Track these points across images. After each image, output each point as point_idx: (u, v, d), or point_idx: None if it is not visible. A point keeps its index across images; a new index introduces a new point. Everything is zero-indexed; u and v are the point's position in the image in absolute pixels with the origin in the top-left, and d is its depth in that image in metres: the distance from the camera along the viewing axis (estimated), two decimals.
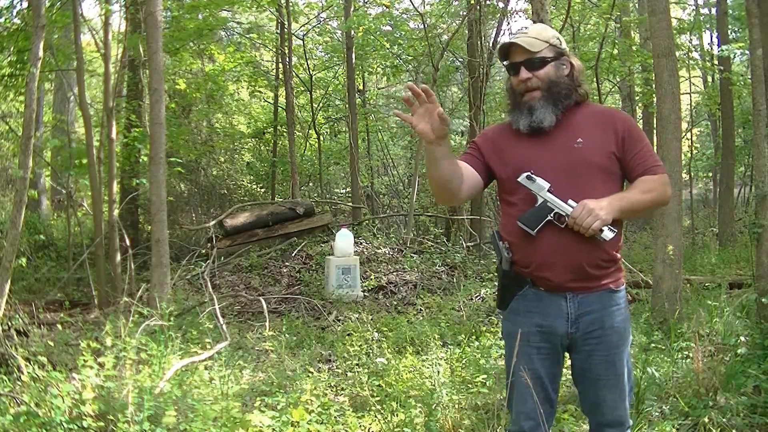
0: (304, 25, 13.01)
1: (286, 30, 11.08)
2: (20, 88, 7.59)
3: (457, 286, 7.05)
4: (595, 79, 10.03)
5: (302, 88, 13.14)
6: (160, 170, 5.21)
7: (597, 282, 2.17)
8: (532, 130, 2.18)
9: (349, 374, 4.32)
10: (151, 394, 3.06)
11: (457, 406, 3.47)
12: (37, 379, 3.34)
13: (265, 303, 5.88)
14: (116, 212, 6.62)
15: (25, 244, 7.99)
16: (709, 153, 15.47)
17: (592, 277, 2.16)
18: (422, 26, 10.81)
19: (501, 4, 11.21)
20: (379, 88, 16.34)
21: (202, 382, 3.53)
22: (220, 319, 4.92)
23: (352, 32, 10.34)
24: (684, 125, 12.92)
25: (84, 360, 3.22)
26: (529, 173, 2.16)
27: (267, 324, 5.31)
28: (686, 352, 3.87)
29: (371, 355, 4.59)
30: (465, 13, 10.93)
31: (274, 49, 12.71)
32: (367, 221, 10.08)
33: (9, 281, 4.33)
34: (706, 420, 3.17)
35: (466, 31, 11.02)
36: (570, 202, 2.10)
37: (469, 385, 3.83)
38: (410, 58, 12.10)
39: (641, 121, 13.17)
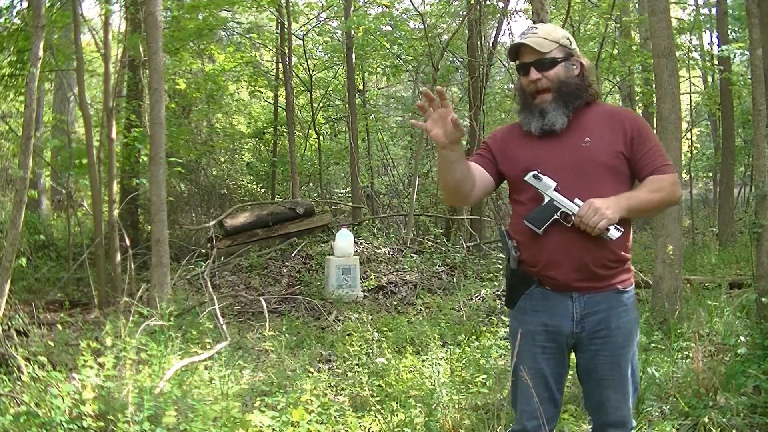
0: (304, 25, 13.01)
1: (286, 30, 11.08)
2: (20, 88, 7.59)
3: (457, 286, 7.05)
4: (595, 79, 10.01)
5: (302, 88, 13.14)
6: (160, 170, 5.21)
7: (604, 282, 2.17)
8: (543, 132, 2.19)
9: (349, 374, 4.32)
10: (151, 394, 3.06)
11: (457, 406, 3.47)
12: (37, 379, 3.34)
13: (265, 303, 5.87)
14: (116, 212, 6.62)
15: (25, 244, 7.99)
16: (709, 153, 15.48)
17: (599, 276, 2.15)
18: (422, 26, 10.81)
19: (501, 4, 11.22)
20: (379, 88, 16.35)
21: (202, 382, 3.53)
22: (220, 319, 4.92)
23: (352, 32, 10.34)
24: (684, 125, 12.92)
25: (84, 360, 3.22)
26: (535, 172, 2.16)
27: (267, 324, 5.31)
28: (686, 352, 3.87)
29: (371, 355, 4.59)
30: (465, 13, 10.94)
31: (274, 49, 12.71)
32: (367, 221, 10.08)
33: (9, 281, 4.33)
34: (706, 420, 3.17)
35: (466, 31, 11.01)
36: (576, 201, 2.09)
37: (469, 385, 3.83)
38: (410, 58, 12.11)
39: None
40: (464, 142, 12.38)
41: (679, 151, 5.32)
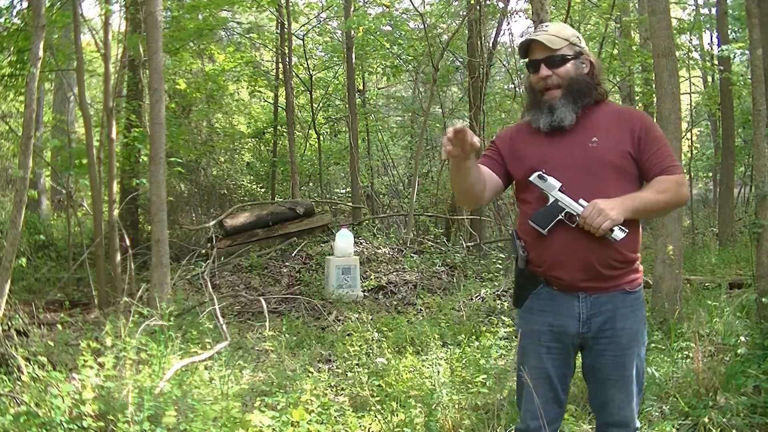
0: (304, 25, 13.01)
1: (286, 30, 11.08)
2: (20, 88, 7.59)
3: (457, 286, 7.05)
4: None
5: (302, 88, 13.14)
6: (160, 170, 5.21)
7: (610, 282, 2.16)
8: (552, 128, 2.19)
9: (349, 374, 4.32)
10: (151, 394, 3.06)
11: (457, 406, 3.47)
12: (37, 379, 3.34)
13: (265, 303, 5.87)
14: (116, 212, 6.62)
15: (25, 244, 7.99)
16: (709, 153, 15.47)
17: (605, 277, 2.15)
18: (422, 26, 10.81)
19: (501, 4, 11.23)
20: (379, 88, 16.34)
21: (202, 382, 3.53)
22: (220, 319, 4.92)
23: (352, 32, 10.34)
24: (684, 125, 12.92)
25: (84, 360, 3.22)
26: (540, 172, 2.17)
27: (267, 324, 5.31)
28: (686, 352, 3.87)
29: (371, 355, 4.59)
30: (465, 13, 10.94)
31: (274, 49, 12.72)
32: (367, 221, 10.08)
33: (9, 281, 4.33)
34: (706, 420, 3.17)
35: (466, 31, 11.01)
36: (581, 201, 2.09)
37: (469, 385, 3.83)
38: (410, 58, 12.10)
39: None
40: None
41: (679, 151, 5.32)
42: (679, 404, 3.37)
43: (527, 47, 2.23)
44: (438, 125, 13.52)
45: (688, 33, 12.14)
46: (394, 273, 7.77)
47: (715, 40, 13.52)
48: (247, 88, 13.12)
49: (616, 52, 10.77)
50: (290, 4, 11.13)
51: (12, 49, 7.31)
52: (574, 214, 2.10)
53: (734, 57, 11.52)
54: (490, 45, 11.67)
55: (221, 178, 13.56)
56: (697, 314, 4.38)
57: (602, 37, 10.36)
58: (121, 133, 8.81)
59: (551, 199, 2.14)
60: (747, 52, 8.73)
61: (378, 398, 3.63)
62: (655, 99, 6.59)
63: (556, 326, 2.20)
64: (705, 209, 15.99)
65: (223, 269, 7.73)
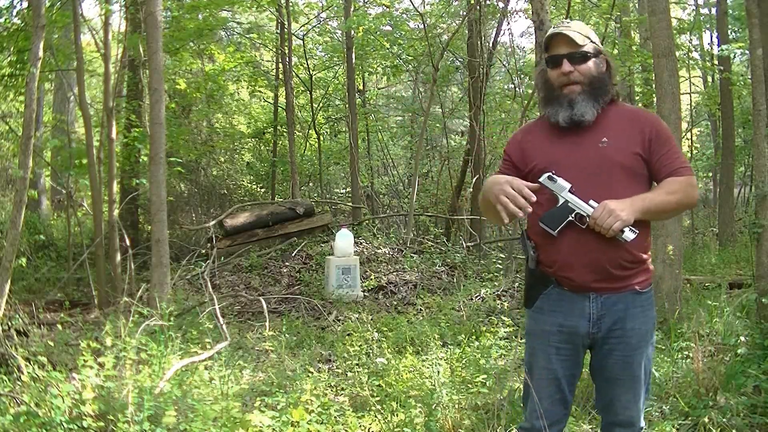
0: (304, 25, 13.01)
1: (286, 30, 11.08)
2: (20, 88, 7.59)
3: (457, 286, 7.05)
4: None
5: (302, 88, 13.14)
6: (160, 170, 5.21)
7: (621, 283, 2.16)
8: (573, 123, 2.18)
9: (349, 374, 4.32)
10: (151, 394, 3.05)
11: (457, 406, 3.47)
12: (37, 379, 3.34)
13: (265, 303, 5.87)
14: (116, 212, 6.62)
15: (25, 244, 7.99)
16: (709, 153, 15.47)
17: (616, 277, 2.15)
18: (422, 26, 10.81)
19: (501, 4, 11.23)
20: (379, 88, 16.35)
21: (202, 382, 3.53)
22: (220, 319, 4.92)
23: (352, 32, 10.34)
24: (684, 125, 12.92)
25: (84, 360, 3.22)
26: (550, 174, 2.16)
27: (267, 324, 5.31)
28: (686, 352, 3.87)
29: (371, 355, 4.59)
30: (465, 13, 10.94)
31: (274, 49, 12.71)
32: (367, 221, 10.08)
33: (9, 281, 4.33)
34: (706, 420, 3.17)
35: (466, 31, 11.01)
36: (591, 202, 2.09)
37: (469, 385, 3.83)
38: (410, 58, 12.10)
39: None
40: (464, 142, 12.41)
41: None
42: (679, 404, 3.37)
43: (550, 41, 2.22)
44: (438, 125, 13.52)
45: (688, 33, 12.14)
46: (394, 273, 7.77)
47: (715, 40, 13.53)
48: (247, 88, 13.12)
49: (616, 52, 10.76)
50: (290, 4, 11.13)
51: (12, 49, 7.31)
52: (585, 215, 2.10)
53: (734, 57, 11.53)
54: (490, 45, 11.68)
55: (221, 178, 13.56)
56: (697, 314, 4.39)
57: (602, 37, 10.34)
58: (121, 133, 8.81)
59: (561, 200, 2.14)
60: (747, 52, 8.73)
61: (378, 398, 3.63)
62: (655, 99, 6.59)
63: (567, 327, 2.20)
64: (705, 209, 15.98)
65: (223, 269, 7.73)
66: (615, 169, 2.14)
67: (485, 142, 10.64)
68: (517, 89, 11.68)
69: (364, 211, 11.01)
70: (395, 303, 6.86)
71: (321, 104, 13.58)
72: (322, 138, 13.66)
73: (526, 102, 9.58)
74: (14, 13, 7.50)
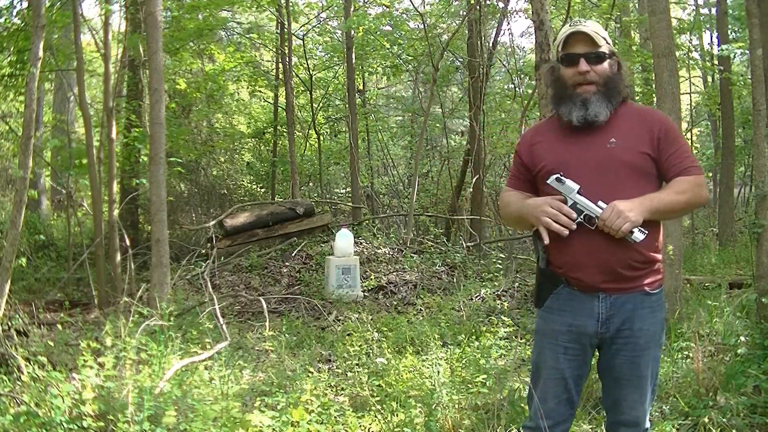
0: (304, 25, 13.01)
1: (286, 30, 11.07)
2: (20, 88, 7.59)
3: (457, 286, 7.05)
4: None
5: (302, 88, 13.14)
6: (160, 170, 5.21)
7: (630, 283, 2.16)
8: (586, 123, 2.18)
9: (349, 374, 4.31)
10: (151, 394, 3.05)
11: (457, 406, 3.47)
12: (37, 379, 3.34)
13: (265, 303, 5.87)
14: (116, 212, 6.62)
15: (25, 244, 7.99)
16: (709, 153, 15.47)
17: (625, 278, 2.15)
18: (422, 26, 10.81)
19: (501, 4, 11.23)
20: (379, 88, 16.35)
21: (202, 382, 3.53)
22: (220, 319, 4.92)
23: (352, 32, 10.34)
24: (684, 125, 12.92)
25: (84, 360, 3.22)
26: (558, 175, 2.16)
27: (267, 324, 5.31)
28: (686, 352, 3.87)
29: (371, 355, 4.59)
30: (465, 13, 10.93)
31: (274, 49, 12.71)
32: (367, 221, 10.08)
33: (9, 281, 4.33)
34: (706, 420, 3.17)
35: (466, 31, 11.01)
36: (600, 203, 2.09)
37: (469, 385, 3.83)
38: (410, 58, 12.11)
39: None
40: (464, 142, 12.41)
41: None
42: (679, 404, 3.37)
43: (567, 40, 2.21)
44: (438, 125, 13.52)
45: (688, 33, 12.14)
46: (394, 273, 7.77)
47: (715, 40, 13.53)
48: (247, 88, 13.12)
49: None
50: (290, 4, 11.12)
51: (12, 49, 7.31)
52: (593, 216, 2.10)
53: (734, 57, 11.52)
54: (490, 45, 11.67)
55: (221, 178, 13.56)
56: (697, 314, 4.39)
57: None
58: (121, 133, 8.81)
59: (570, 202, 2.14)
60: (747, 52, 8.73)
61: (378, 398, 3.63)
62: (655, 99, 6.59)
63: (575, 326, 2.20)
64: (705, 209, 15.97)
65: (223, 269, 7.72)
66: (623, 170, 2.14)
67: (485, 142, 10.64)
68: (517, 89, 11.68)
69: (364, 211, 11.01)
70: (395, 303, 6.86)
71: (321, 104, 13.58)
72: (322, 138, 13.66)
73: (526, 102, 9.57)
74: (14, 13, 7.50)
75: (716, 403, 3.32)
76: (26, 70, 5.69)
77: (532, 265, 8.46)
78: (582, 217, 2.12)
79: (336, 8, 12.87)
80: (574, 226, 2.10)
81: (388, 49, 11.34)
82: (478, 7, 10.19)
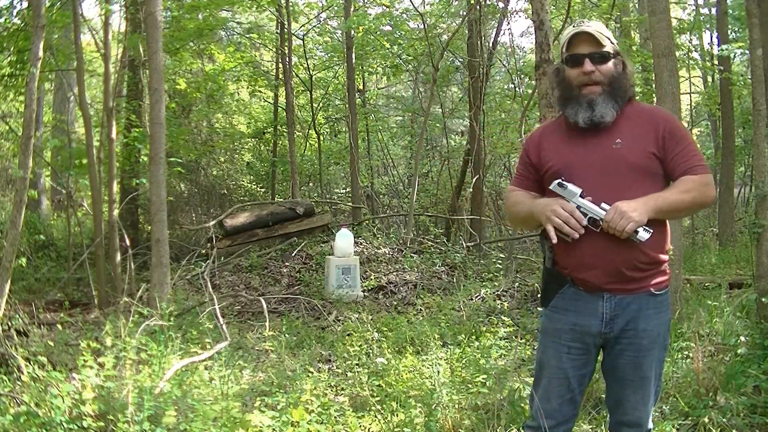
0: (304, 25, 13.01)
1: (286, 30, 11.08)
2: (20, 88, 7.59)
3: (457, 286, 7.05)
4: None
5: (302, 88, 13.15)
6: (160, 170, 5.21)
7: (635, 284, 2.16)
8: (592, 124, 2.17)
9: (349, 374, 4.31)
10: (151, 394, 3.05)
11: (457, 406, 3.47)
12: (37, 379, 3.34)
13: (265, 303, 5.87)
14: (116, 212, 6.62)
15: (25, 244, 7.99)
16: (709, 153, 15.46)
17: (631, 279, 2.14)
18: (422, 26, 10.81)
19: (501, 4, 11.23)
20: (379, 88, 16.35)
21: (202, 382, 3.53)
22: (220, 319, 4.92)
23: (352, 32, 10.34)
24: (684, 125, 12.88)
25: (84, 360, 3.22)
26: (560, 180, 2.16)
27: (267, 324, 5.31)
28: (686, 352, 3.87)
29: (371, 355, 4.59)
30: (465, 13, 10.93)
31: (274, 49, 12.71)
32: (367, 221, 10.08)
33: (9, 281, 4.33)
34: (706, 420, 3.17)
35: (466, 31, 11.01)
36: (603, 205, 2.09)
37: (469, 385, 3.83)
38: (410, 58, 12.10)
39: None
40: (464, 142, 12.41)
41: None
42: (679, 404, 3.37)
43: (571, 40, 2.21)
44: (438, 125, 13.52)
45: (688, 33, 12.13)
46: (394, 273, 7.77)
47: (715, 40, 13.52)
48: (247, 88, 13.12)
49: None
50: (290, 4, 11.12)
51: (12, 49, 7.31)
52: (598, 219, 2.09)
53: (734, 57, 11.52)
54: (490, 45, 11.67)
55: (221, 178, 13.56)
56: (697, 314, 4.39)
57: None
58: (121, 133, 8.81)
59: (573, 206, 2.14)
60: (747, 52, 8.73)
61: (378, 398, 3.63)
62: (655, 99, 6.59)
63: (579, 326, 2.20)
64: (705, 209, 15.98)
65: (223, 269, 7.72)
66: (629, 171, 2.13)
67: (485, 142, 10.64)
68: (517, 89, 11.68)
69: (364, 211, 11.01)
70: (395, 303, 6.86)
71: (321, 104, 13.58)
72: (322, 138, 13.66)
73: (526, 102, 9.57)
74: (14, 13, 7.51)
75: (716, 403, 3.32)
76: (26, 70, 5.69)
77: (532, 265, 8.46)
78: (586, 220, 2.12)
79: (336, 8, 12.87)
80: (583, 231, 2.10)
81: (388, 49, 11.34)
82: (478, 7, 10.19)
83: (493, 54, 11.85)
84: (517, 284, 7.09)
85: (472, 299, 6.44)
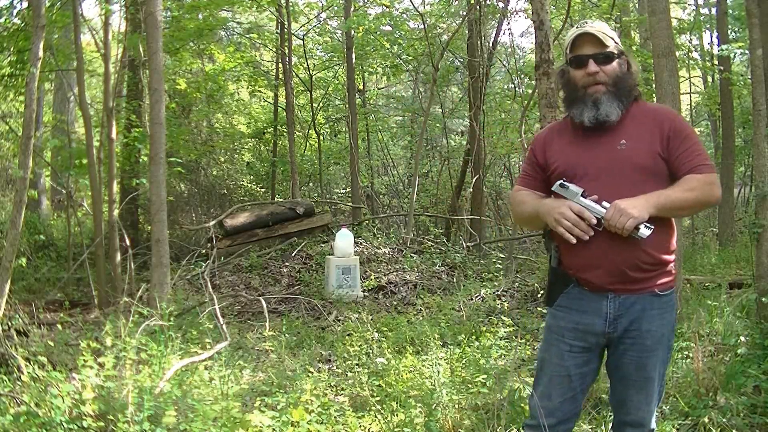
0: (304, 25, 13.02)
1: (286, 30, 11.08)
2: (20, 88, 7.59)
3: (457, 286, 7.05)
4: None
5: (302, 88, 13.15)
6: (160, 170, 5.21)
7: (639, 284, 2.16)
8: (597, 123, 2.17)
9: (349, 374, 4.31)
10: (151, 394, 3.05)
11: (457, 406, 3.47)
12: (37, 379, 3.33)
13: (265, 303, 5.87)
14: (116, 212, 6.62)
15: (25, 244, 7.99)
16: (709, 153, 15.46)
17: (634, 279, 2.14)
18: (422, 26, 10.81)
19: (501, 4, 11.23)
20: (379, 88, 16.35)
21: (202, 382, 3.52)
22: (220, 319, 4.92)
23: (352, 32, 10.34)
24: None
25: (84, 360, 3.22)
26: (561, 181, 2.17)
27: (267, 324, 5.31)
28: (686, 352, 3.87)
29: (371, 355, 4.59)
30: (465, 13, 10.93)
31: (274, 49, 12.71)
32: (367, 221, 10.08)
33: (9, 281, 4.33)
34: (706, 420, 3.17)
35: (466, 31, 11.01)
36: (604, 203, 2.09)
37: (469, 385, 3.83)
38: (410, 58, 12.11)
39: None
40: (464, 142, 12.41)
41: None
42: (679, 404, 3.37)
43: (575, 41, 2.21)
44: (438, 125, 13.52)
45: (688, 33, 12.14)
46: (394, 273, 7.77)
47: (715, 40, 13.52)
48: (247, 88, 13.12)
49: None
50: (290, 4, 11.13)
51: (12, 49, 7.32)
52: (599, 218, 2.09)
53: (734, 57, 11.52)
54: (490, 45, 11.68)
55: (221, 178, 13.56)
56: (697, 314, 4.38)
57: None
58: (121, 133, 8.81)
59: (580, 207, 2.14)
60: (747, 52, 8.73)
61: (378, 398, 3.63)
62: (655, 99, 6.59)
63: (582, 325, 2.21)
64: (705, 209, 15.96)
65: (223, 269, 7.72)
66: (633, 172, 2.13)
67: (485, 142, 10.64)
68: (517, 89, 11.68)
69: (364, 211, 11.01)
70: (395, 303, 6.86)
71: (321, 104, 13.58)
72: (322, 138, 13.66)
73: (526, 102, 9.57)
74: (14, 13, 7.51)
75: (716, 403, 3.32)
76: (26, 70, 5.69)
77: (532, 265, 8.46)
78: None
79: (336, 8, 12.87)
80: (592, 232, 2.10)
81: (388, 49, 11.34)
82: (478, 7, 10.19)
83: (493, 54, 11.86)
84: (517, 284, 7.09)
85: (472, 299, 6.44)
